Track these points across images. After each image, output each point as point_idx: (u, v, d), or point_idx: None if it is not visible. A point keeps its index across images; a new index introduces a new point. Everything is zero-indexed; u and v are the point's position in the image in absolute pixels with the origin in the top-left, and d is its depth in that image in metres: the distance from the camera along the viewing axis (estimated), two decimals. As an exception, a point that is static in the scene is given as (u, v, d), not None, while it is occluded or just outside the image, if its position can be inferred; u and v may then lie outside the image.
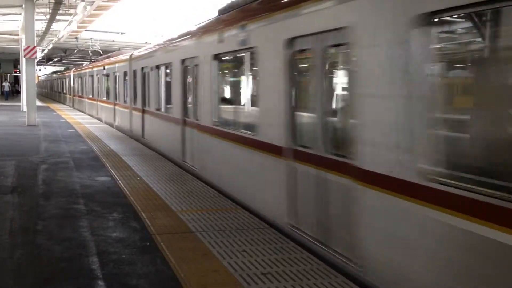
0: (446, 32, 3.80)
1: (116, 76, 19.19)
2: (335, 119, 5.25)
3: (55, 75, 54.95)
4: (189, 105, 10.05)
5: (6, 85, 48.02)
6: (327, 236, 5.11)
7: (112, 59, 21.34)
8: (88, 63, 35.04)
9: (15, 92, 51.82)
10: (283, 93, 5.95)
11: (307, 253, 5.15)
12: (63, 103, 41.73)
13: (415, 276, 3.85)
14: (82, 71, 30.46)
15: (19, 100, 33.10)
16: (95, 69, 25.15)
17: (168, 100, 11.88)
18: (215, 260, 4.95)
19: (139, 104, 14.98)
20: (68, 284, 4.40)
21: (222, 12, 8.73)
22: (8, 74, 56.92)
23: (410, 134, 3.84)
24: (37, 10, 20.49)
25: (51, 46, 38.32)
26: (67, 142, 14.32)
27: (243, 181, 7.26)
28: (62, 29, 27.82)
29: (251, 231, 5.88)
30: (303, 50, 5.64)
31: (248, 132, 7.06)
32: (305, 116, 5.67)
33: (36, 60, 20.53)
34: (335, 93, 5.28)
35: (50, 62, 53.09)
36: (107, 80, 21.54)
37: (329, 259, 5.00)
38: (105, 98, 21.96)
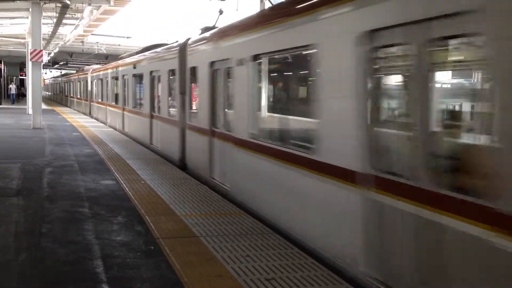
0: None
1: None
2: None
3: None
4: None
5: (12, 87, 46.12)
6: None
7: None
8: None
9: (20, 95, 51.31)
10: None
11: (311, 259, 5.14)
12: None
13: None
14: None
15: (25, 103, 33.17)
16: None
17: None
18: (219, 265, 4.95)
19: None
20: (73, 287, 4.41)
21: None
22: (14, 77, 57.02)
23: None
24: (44, 14, 20.61)
25: (57, 49, 38.51)
26: (72, 145, 14.37)
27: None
28: (69, 33, 28.00)
29: (255, 236, 5.88)
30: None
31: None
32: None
33: (42, 64, 20.59)
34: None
35: (56, 66, 53.35)
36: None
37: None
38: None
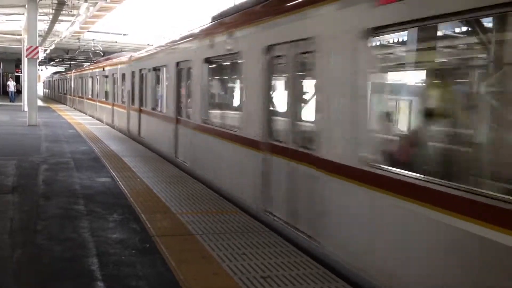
0: None
1: None
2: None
3: None
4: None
5: (11, 84, 41.76)
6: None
7: None
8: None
9: (16, 92, 49.95)
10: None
11: (307, 257, 5.15)
12: None
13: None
14: None
15: (20, 100, 32.95)
16: None
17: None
18: (215, 263, 4.95)
19: None
20: (68, 285, 4.40)
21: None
22: (10, 74, 56.56)
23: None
24: (40, 10, 20.50)
25: (53, 46, 38.33)
26: (68, 142, 14.33)
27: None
28: (65, 30, 27.86)
29: (251, 234, 5.88)
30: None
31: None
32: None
33: (38, 60, 20.52)
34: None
35: (52, 63, 53.12)
36: None
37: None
38: None
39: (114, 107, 19.71)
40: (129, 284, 4.42)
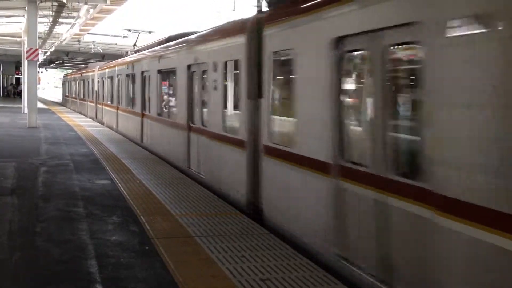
0: None
1: None
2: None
3: None
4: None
5: None
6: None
7: None
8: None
9: (15, 94, 49.43)
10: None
11: (306, 260, 5.13)
12: None
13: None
14: None
15: (20, 102, 32.93)
16: None
17: None
18: (214, 265, 4.93)
19: None
20: (66, 287, 4.38)
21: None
22: (10, 76, 56.64)
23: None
24: (40, 12, 20.54)
25: (53, 48, 38.39)
26: (67, 144, 14.32)
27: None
28: (65, 32, 27.92)
29: (250, 237, 5.87)
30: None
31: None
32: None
33: (38, 63, 20.53)
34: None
35: (52, 65, 53.20)
36: None
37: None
38: None
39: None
40: (128, 286, 4.40)
